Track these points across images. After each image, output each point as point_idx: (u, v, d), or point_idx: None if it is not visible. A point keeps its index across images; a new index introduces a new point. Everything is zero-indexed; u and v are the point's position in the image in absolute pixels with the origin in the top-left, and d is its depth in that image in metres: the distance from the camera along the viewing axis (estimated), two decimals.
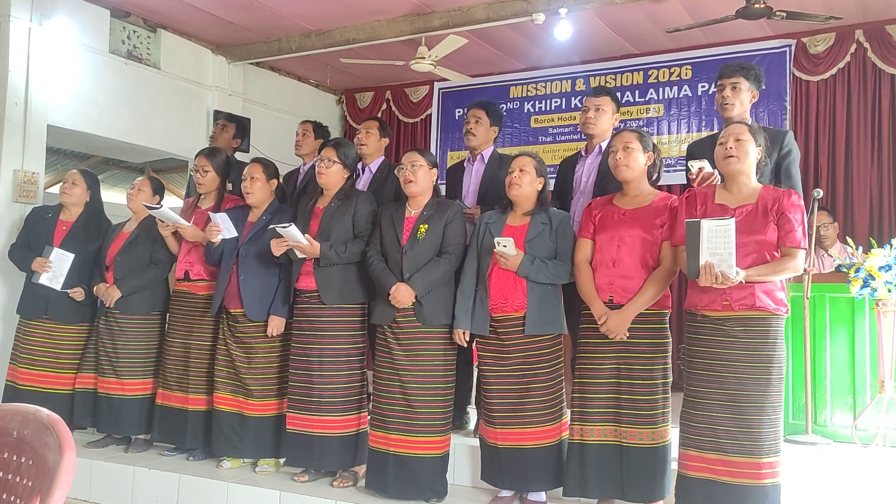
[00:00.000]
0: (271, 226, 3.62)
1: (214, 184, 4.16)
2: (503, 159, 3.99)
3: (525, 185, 3.32)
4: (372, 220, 3.63)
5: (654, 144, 3.22)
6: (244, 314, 3.81)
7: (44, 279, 4.27)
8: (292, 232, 3.48)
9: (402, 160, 3.54)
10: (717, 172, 3.09)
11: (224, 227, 3.85)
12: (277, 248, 3.58)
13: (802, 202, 2.85)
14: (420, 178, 3.47)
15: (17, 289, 4.62)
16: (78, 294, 4.35)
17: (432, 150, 7.48)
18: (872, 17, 5.83)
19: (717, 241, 2.68)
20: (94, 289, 4.32)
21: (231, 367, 3.87)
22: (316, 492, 3.51)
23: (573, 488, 3.15)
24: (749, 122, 3.16)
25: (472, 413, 4.05)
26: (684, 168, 3.32)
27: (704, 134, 6.25)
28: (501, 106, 7.29)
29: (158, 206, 4.03)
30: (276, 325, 3.77)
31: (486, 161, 4.05)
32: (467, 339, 3.37)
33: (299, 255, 3.58)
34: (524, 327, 3.22)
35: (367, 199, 3.72)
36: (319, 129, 4.70)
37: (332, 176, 3.68)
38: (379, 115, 7.89)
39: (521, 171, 3.32)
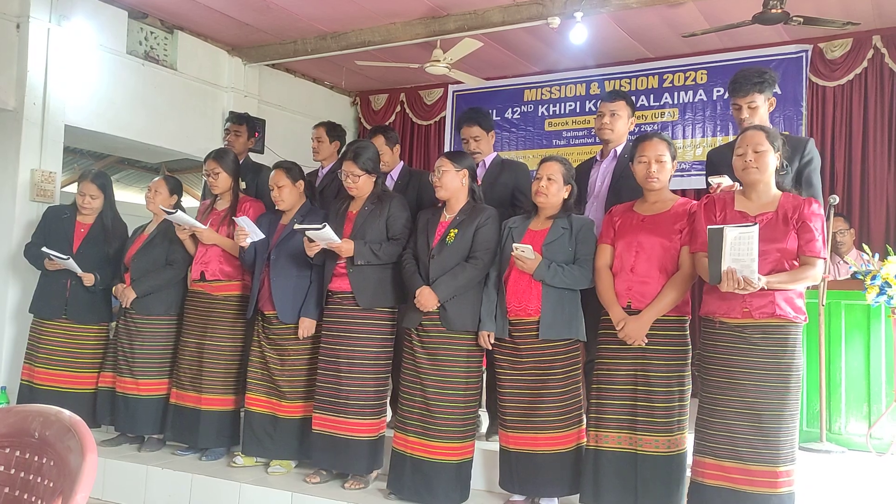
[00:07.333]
0: (299, 227, 3.59)
1: (227, 184, 4.18)
2: (505, 164, 4.03)
3: (552, 194, 3.29)
4: (408, 225, 3.64)
5: (675, 149, 3.22)
6: (276, 316, 3.82)
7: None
8: (326, 234, 3.47)
9: (434, 166, 3.56)
10: (737, 185, 3.06)
11: (250, 231, 3.86)
12: (310, 250, 3.59)
13: (822, 211, 2.83)
14: (446, 183, 3.46)
15: (30, 288, 4.65)
16: (88, 279, 4.36)
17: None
18: (890, 23, 5.81)
19: (741, 248, 2.66)
20: (113, 289, 4.37)
21: (265, 369, 3.88)
22: (328, 493, 3.51)
23: (588, 495, 3.13)
24: (766, 126, 3.08)
25: (483, 416, 4.04)
26: (700, 173, 3.30)
27: (720, 139, 6.25)
28: (515, 109, 7.31)
29: (173, 210, 4.04)
30: (307, 326, 3.77)
31: (486, 167, 4.04)
32: (492, 342, 3.35)
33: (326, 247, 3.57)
34: (539, 331, 3.21)
35: (401, 203, 3.71)
36: (333, 130, 4.67)
37: (362, 188, 3.68)
38: (393, 117, 7.92)
39: (549, 179, 3.28)
